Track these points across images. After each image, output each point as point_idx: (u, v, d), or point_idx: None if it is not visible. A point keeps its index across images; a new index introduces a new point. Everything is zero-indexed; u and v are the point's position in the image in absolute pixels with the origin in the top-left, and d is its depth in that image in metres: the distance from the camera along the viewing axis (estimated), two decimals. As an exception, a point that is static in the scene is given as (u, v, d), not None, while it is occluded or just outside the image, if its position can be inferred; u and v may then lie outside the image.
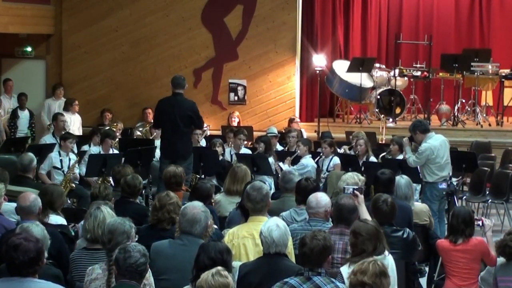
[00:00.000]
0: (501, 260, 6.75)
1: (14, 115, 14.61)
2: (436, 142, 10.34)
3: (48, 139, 12.39)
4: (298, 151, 11.82)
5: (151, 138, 13.31)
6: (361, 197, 6.80)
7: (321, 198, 6.74)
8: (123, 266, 4.85)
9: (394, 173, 8.41)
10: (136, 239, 5.69)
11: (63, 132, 12.35)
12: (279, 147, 12.92)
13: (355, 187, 6.98)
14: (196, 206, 5.91)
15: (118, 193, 8.03)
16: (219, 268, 4.69)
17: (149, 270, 5.30)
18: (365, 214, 6.71)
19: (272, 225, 5.64)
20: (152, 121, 14.39)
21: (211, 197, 7.54)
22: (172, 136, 11.00)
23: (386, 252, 5.90)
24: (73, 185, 11.04)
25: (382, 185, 7.89)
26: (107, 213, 6.01)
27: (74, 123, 14.72)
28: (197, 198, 7.14)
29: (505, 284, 6.71)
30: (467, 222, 7.01)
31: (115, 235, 5.42)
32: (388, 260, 5.88)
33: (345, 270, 5.66)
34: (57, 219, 6.94)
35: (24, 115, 14.62)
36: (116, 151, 11.90)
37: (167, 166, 10.79)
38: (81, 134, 14.26)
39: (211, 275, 4.60)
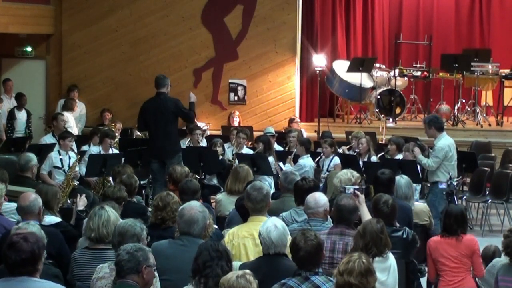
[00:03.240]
0: (505, 259, 6.75)
1: (11, 116, 14.53)
2: (451, 140, 10.40)
3: (48, 139, 12.38)
4: (295, 150, 11.83)
5: (151, 138, 13.29)
6: (362, 197, 6.82)
7: (319, 198, 6.75)
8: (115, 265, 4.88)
9: (394, 173, 8.41)
10: (149, 240, 5.68)
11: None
12: (277, 147, 12.91)
13: (356, 187, 7.00)
14: (194, 207, 5.91)
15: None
16: (247, 271, 4.64)
17: (157, 276, 5.29)
18: (366, 214, 6.73)
19: (271, 226, 5.63)
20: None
21: (199, 191, 7.56)
22: (158, 136, 11.01)
23: (389, 254, 5.91)
24: (75, 183, 11.01)
25: (382, 185, 7.88)
26: (111, 212, 6.01)
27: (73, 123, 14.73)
28: (188, 195, 7.17)
29: (506, 284, 6.71)
30: (459, 220, 7.12)
31: (125, 238, 5.41)
32: (390, 261, 5.88)
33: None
34: (51, 219, 6.93)
35: (21, 116, 14.59)
36: (116, 151, 11.89)
37: (157, 165, 10.87)
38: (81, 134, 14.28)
39: (235, 276, 4.56)
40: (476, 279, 7.22)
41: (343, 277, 4.74)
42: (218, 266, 4.93)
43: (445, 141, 10.31)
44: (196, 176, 11.21)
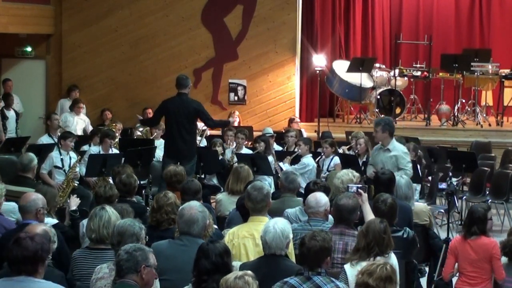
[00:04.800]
0: (504, 259, 6.74)
1: (3, 116, 14.48)
2: None
3: (45, 139, 12.39)
4: (299, 150, 11.82)
5: (151, 138, 13.32)
6: (365, 195, 6.84)
7: (320, 198, 6.77)
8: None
9: (394, 173, 8.40)
10: (147, 239, 5.68)
11: (58, 131, 12.35)
12: (277, 147, 12.91)
13: (359, 185, 7.00)
14: (193, 207, 5.90)
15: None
16: (248, 272, 4.63)
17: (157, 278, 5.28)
18: (368, 213, 6.73)
19: (269, 226, 5.64)
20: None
21: (201, 191, 7.57)
22: (177, 136, 11.00)
23: (391, 254, 5.92)
24: (75, 184, 11.01)
25: (382, 185, 7.87)
26: (111, 213, 6.01)
27: (78, 124, 14.69)
28: (190, 196, 7.18)
29: (505, 284, 6.71)
30: (482, 219, 6.96)
31: (125, 237, 5.40)
32: (392, 261, 5.89)
33: (348, 268, 5.73)
34: (48, 221, 6.90)
35: (11, 115, 14.57)
36: (116, 151, 11.89)
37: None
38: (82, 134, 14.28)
39: (234, 277, 4.56)
40: None
41: (362, 277, 4.81)
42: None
43: (403, 146, 9.76)
44: (197, 175, 11.22)
